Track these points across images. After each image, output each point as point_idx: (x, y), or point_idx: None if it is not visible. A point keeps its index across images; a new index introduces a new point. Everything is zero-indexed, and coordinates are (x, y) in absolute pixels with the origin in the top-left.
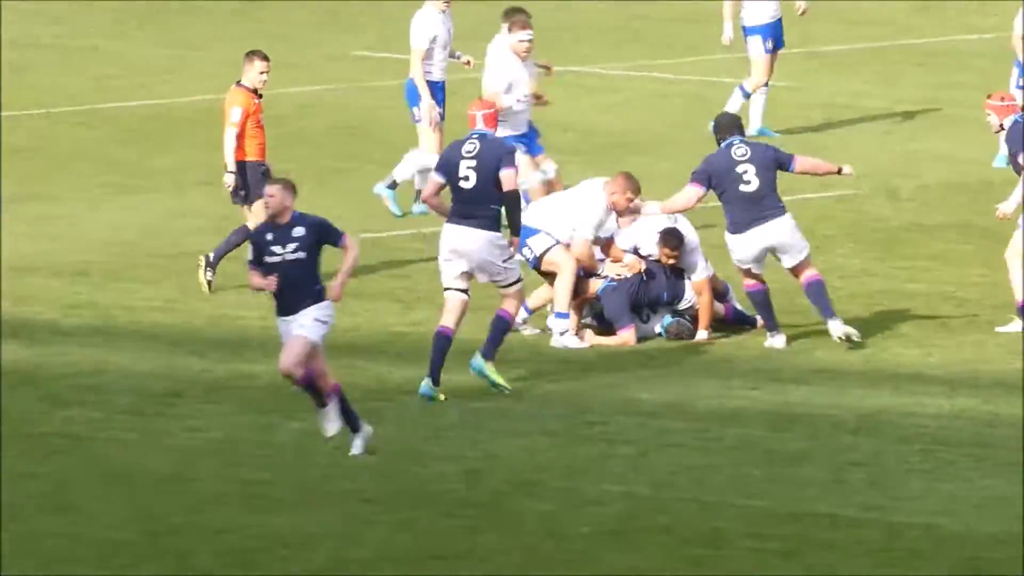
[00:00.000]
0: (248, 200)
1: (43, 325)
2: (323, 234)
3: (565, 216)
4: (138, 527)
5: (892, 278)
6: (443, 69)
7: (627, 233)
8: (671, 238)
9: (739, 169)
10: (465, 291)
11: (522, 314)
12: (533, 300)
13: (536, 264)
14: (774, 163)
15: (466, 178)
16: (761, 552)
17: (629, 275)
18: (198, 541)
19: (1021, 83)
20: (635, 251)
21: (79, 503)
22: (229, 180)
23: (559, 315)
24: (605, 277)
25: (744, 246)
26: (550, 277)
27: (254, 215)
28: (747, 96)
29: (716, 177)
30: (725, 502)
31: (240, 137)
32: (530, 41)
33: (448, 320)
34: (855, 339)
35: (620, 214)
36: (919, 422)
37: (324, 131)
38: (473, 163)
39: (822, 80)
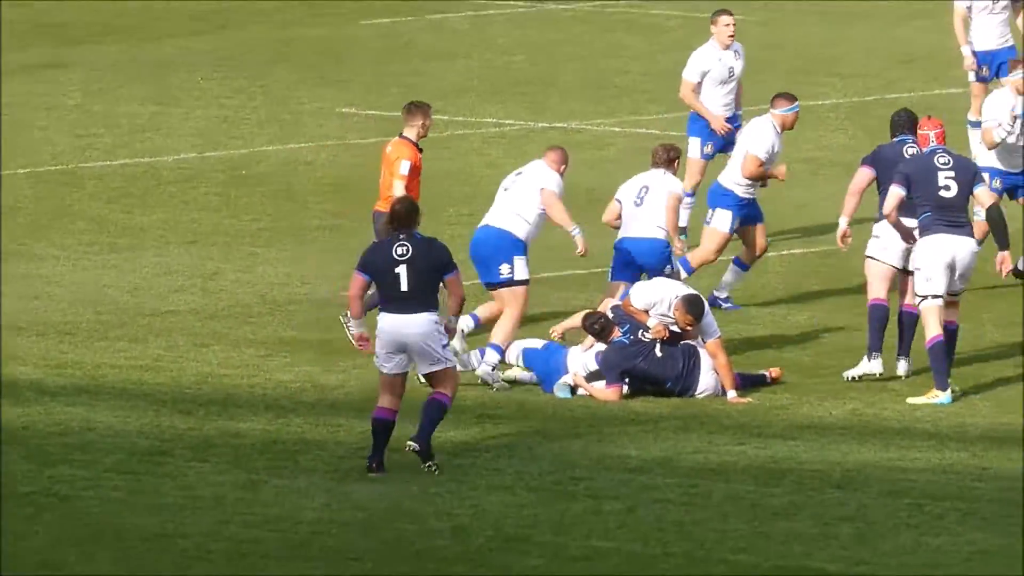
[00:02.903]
0: None
1: (29, 384)
2: None
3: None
4: None
5: None
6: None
7: (644, 291)
8: (695, 306)
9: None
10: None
11: (494, 355)
12: (501, 336)
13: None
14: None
15: (947, 188)
16: None
17: (650, 337)
18: None
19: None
20: (646, 311)
21: (67, 562)
22: None
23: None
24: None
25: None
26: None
27: None
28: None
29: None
30: (713, 557)
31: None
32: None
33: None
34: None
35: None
36: (907, 476)
37: (311, 188)
38: (952, 174)
39: (805, 134)
